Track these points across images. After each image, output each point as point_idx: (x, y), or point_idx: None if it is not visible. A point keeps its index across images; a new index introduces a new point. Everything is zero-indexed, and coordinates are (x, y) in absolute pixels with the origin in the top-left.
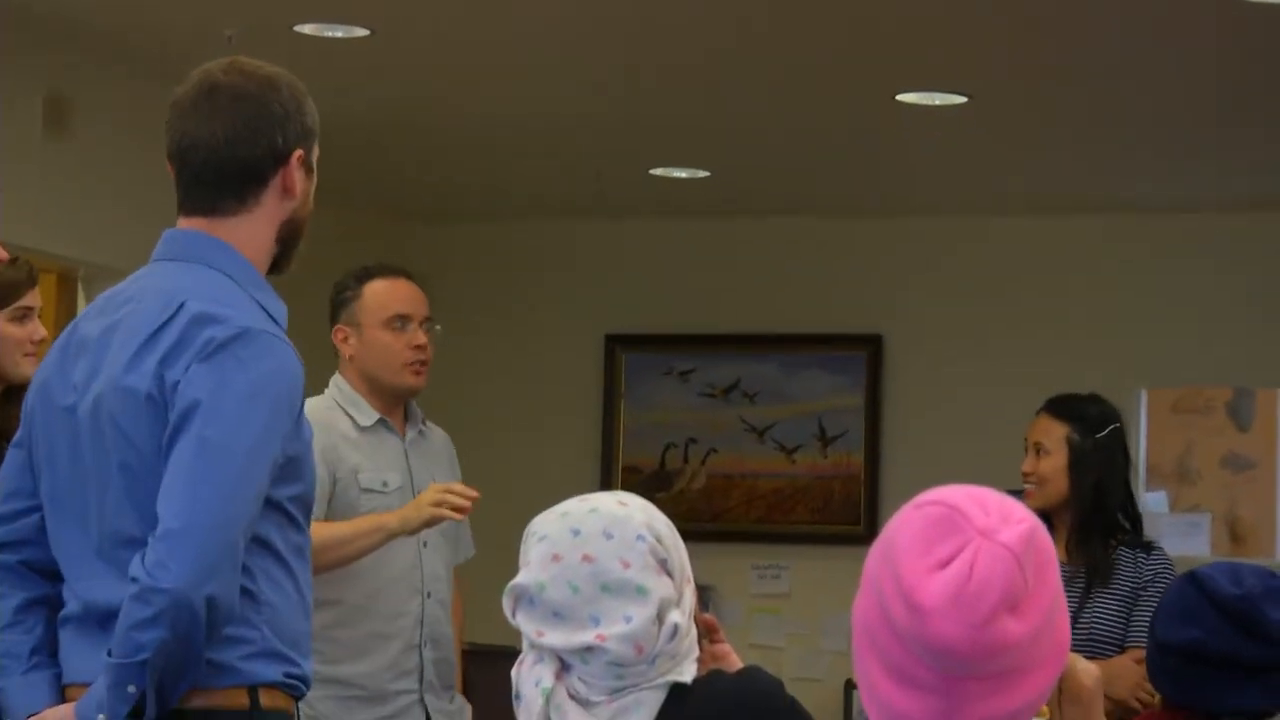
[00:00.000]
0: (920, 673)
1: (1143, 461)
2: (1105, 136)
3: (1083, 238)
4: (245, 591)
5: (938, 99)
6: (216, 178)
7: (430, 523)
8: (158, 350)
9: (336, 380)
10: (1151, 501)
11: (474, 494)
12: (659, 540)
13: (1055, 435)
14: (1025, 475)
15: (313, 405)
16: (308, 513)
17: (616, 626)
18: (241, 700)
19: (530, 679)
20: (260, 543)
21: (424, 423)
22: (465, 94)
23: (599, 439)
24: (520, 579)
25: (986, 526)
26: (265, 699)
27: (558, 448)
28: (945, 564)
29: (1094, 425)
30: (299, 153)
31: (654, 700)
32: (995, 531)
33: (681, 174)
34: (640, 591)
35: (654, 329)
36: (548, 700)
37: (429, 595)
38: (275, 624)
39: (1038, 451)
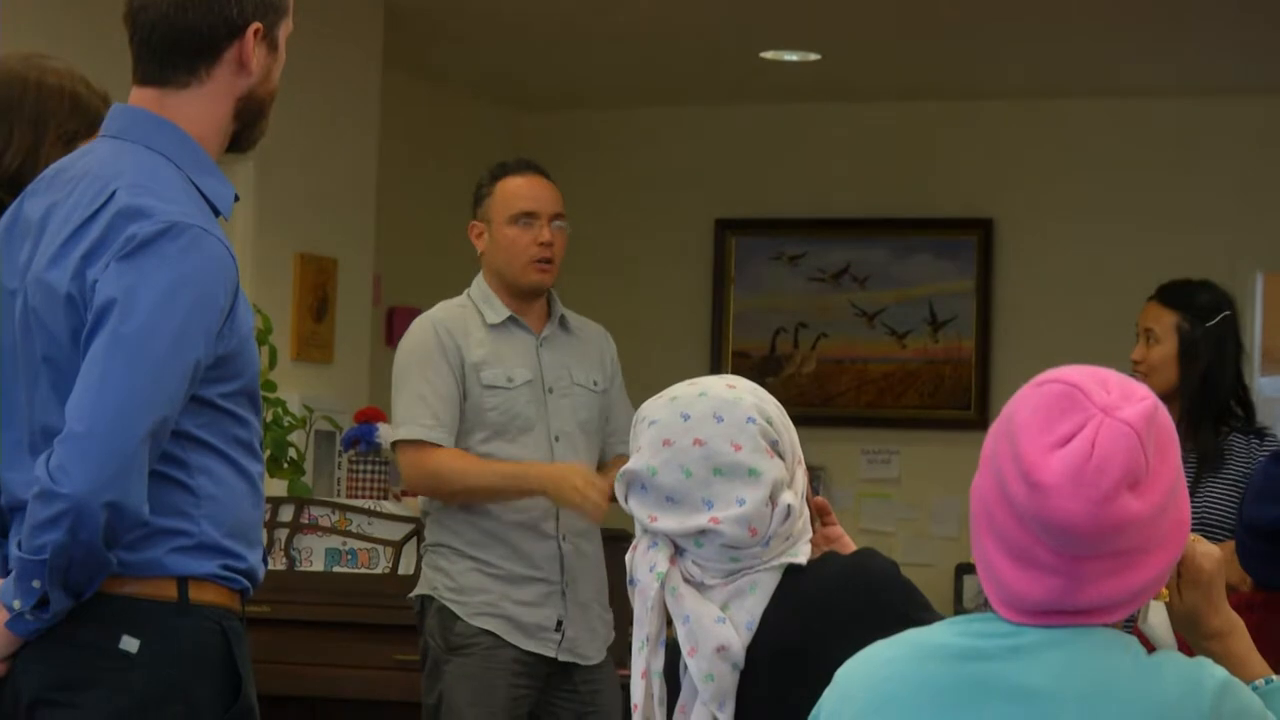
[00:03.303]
0: (1039, 552)
1: (1258, 347)
2: (1220, 19)
3: (1199, 119)
4: (182, 486)
5: None
6: (165, 46)
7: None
8: (82, 245)
9: (477, 278)
10: (1267, 387)
11: (603, 497)
12: (769, 422)
13: (1165, 323)
14: (1135, 363)
15: (445, 308)
16: (254, 402)
17: (729, 509)
18: (170, 592)
19: (645, 564)
20: (195, 440)
21: (564, 320)
22: None
23: (709, 324)
24: (632, 464)
25: (1108, 404)
26: (195, 592)
27: (668, 333)
28: (1066, 441)
29: (1204, 312)
30: (257, 26)
31: (769, 582)
32: (1117, 409)
33: (792, 57)
34: (752, 473)
35: (764, 214)
36: (663, 585)
37: None
38: (216, 516)
39: (1148, 339)
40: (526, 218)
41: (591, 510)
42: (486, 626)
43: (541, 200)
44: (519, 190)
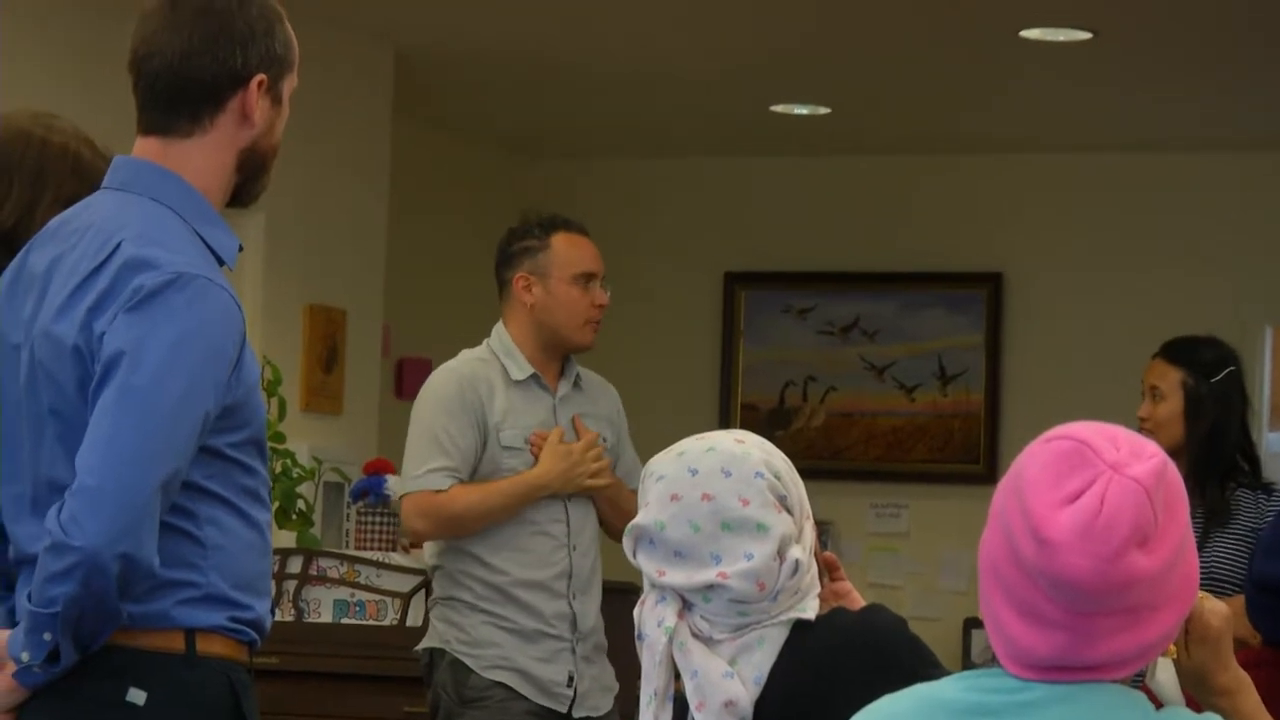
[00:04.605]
0: (1047, 609)
1: (1266, 401)
2: (1228, 72)
3: (1207, 173)
4: (190, 537)
5: (1062, 35)
6: (170, 94)
7: (580, 491)
8: (89, 296)
9: (498, 329)
10: (1274, 442)
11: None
12: (777, 477)
13: (1170, 380)
14: (1141, 420)
15: (467, 360)
16: (261, 451)
17: (738, 564)
18: (177, 644)
19: (653, 619)
20: (203, 491)
21: (578, 379)
22: (587, 30)
23: (718, 377)
24: (640, 519)
25: (1117, 460)
26: (203, 644)
27: (676, 386)
28: (1075, 498)
29: (1209, 369)
30: (261, 78)
31: (777, 637)
32: (1126, 465)
33: (802, 110)
34: (760, 528)
35: (773, 267)
36: (671, 639)
37: (574, 548)
38: (224, 568)
39: (1153, 396)
40: (588, 278)
41: (605, 478)
42: (500, 679)
43: (598, 261)
44: (583, 249)
